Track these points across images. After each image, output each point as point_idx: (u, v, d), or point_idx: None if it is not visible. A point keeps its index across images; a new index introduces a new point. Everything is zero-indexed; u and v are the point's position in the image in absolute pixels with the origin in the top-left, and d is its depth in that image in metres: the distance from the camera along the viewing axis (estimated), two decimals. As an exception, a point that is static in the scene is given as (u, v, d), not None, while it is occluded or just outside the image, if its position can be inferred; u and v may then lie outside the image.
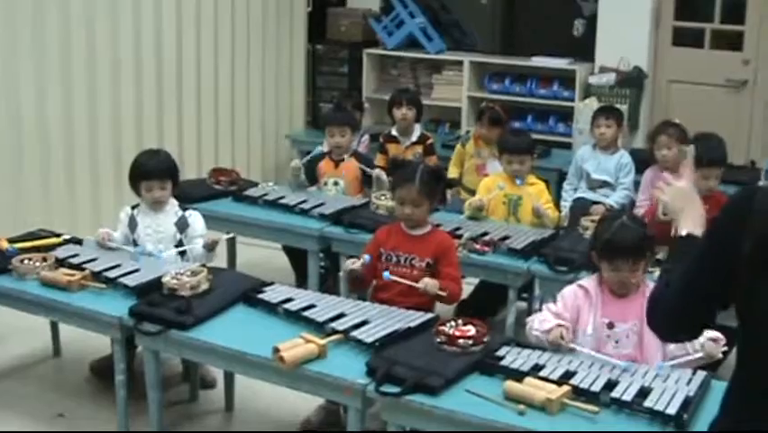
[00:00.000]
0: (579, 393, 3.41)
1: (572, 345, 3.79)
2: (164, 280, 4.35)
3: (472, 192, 6.17)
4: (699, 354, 3.63)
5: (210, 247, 4.90)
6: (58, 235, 5.17)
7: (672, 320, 2.34)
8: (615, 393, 3.38)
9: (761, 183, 5.52)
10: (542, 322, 3.87)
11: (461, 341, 3.73)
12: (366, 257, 4.53)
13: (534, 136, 6.77)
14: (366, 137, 7.27)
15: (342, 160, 6.26)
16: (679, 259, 2.36)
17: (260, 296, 4.35)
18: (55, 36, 6.51)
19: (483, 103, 7.43)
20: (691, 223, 2.46)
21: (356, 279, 4.64)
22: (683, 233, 2.44)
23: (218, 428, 4.83)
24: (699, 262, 2.22)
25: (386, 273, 4.42)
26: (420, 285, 4.38)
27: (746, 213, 2.01)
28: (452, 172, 6.89)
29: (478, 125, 7.00)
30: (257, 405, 4.90)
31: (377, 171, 6.10)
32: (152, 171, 4.93)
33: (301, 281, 5.99)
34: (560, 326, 3.81)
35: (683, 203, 2.55)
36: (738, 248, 2.00)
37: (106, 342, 4.51)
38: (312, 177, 6.27)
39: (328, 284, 5.82)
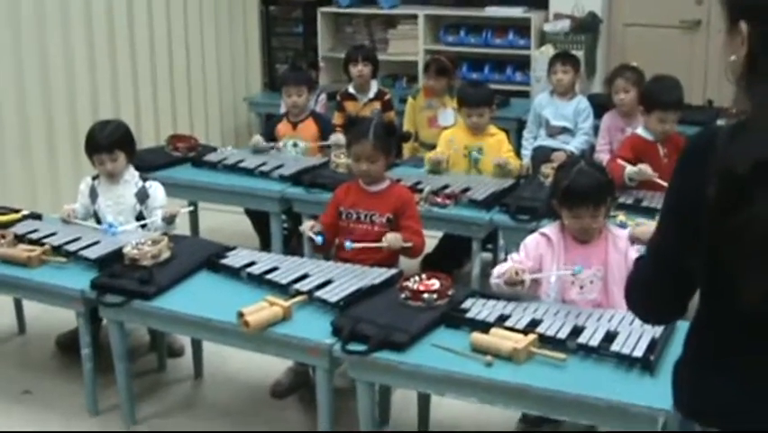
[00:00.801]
0: (545, 341, 3.41)
1: (528, 276, 3.79)
2: (125, 250, 4.32)
3: (430, 147, 6.17)
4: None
5: (169, 220, 4.86)
6: (16, 211, 5.11)
7: (652, 297, 2.27)
8: (581, 339, 3.38)
9: (719, 122, 5.52)
10: (500, 268, 3.87)
11: (425, 295, 3.73)
12: (319, 238, 4.52)
13: (492, 86, 6.74)
14: (323, 96, 7.23)
15: (300, 121, 6.22)
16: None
17: (223, 261, 4.32)
18: (3, 5, 6.41)
19: (428, 56, 7.42)
20: None
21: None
22: None
23: (188, 395, 4.81)
24: (666, 220, 2.19)
25: (347, 243, 4.40)
26: (383, 243, 4.38)
27: (708, 154, 1.97)
28: (407, 126, 6.87)
29: (425, 77, 7.01)
30: (226, 371, 4.88)
31: (333, 137, 6.07)
32: (101, 144, 4.87)
33: (265, 244, 5.98)
34: (514, 265, 3.81)
35: None
36: (702, 195, 1.95)
37: (71, 316, 4.47)
38: (271, 139, 6.22)
39: (292, 245, 5.81)
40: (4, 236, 4.67)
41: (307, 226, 4.62)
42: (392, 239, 4.39)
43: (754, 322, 2.01)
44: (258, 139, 6.23)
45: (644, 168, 5.03)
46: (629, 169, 5.05)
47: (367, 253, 4.41)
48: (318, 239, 4.52)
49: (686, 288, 2.20)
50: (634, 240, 3.86)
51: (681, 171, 2.12)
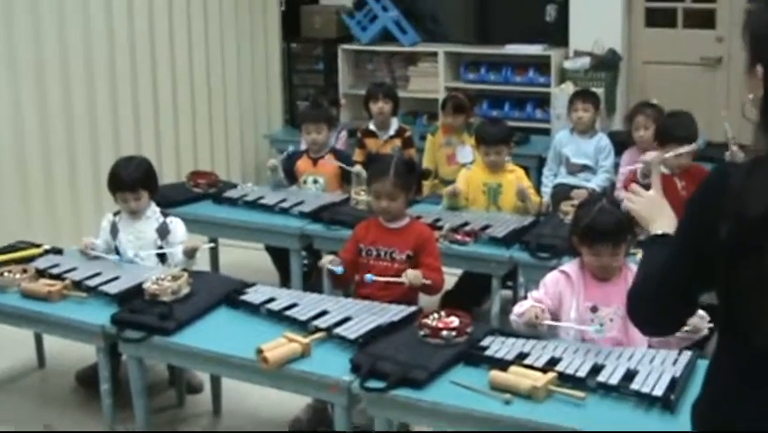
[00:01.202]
0: (565, 379, 3.40)
1: (548, 323, 3.79)
2: (145, 286, 4.33)
3: (448, 184, 6.17)
4: (687, 328, 3.62)
5: (190, 255, 4.88)
6: (37, 246, 5.14)
7: (653, 313, 2.30)
8: (601, 377, 3.37)
9: (727, 157, 5.52)
10: (520, 307, 3.87)
11: (444, 333, 3.72)
12: (339, 268, 4.52)
13: (512, 123, 6.80)
14: (344, 133, 7.25)
15: (321, 157, 6.23)
16: (653, 253, 2.34)
17: (243, 297, 4.33)
18: (26, 44, 6.48)
19: (450, 92, 7.45)
20: (666, 225, 2.45)
21: (338, 276, 4.64)
22: (658, 232, 2.44)
23: (207, 431, 4.81)
24: (676, 250, 2.20)
25: (368, 276, 4.41)
26: (403, 279, 4.38)
27: (720, 194, 1.98)
28: (427, 163, 6.90)
29: (443, 114, 7.03)
30: (245, 407, 4.88)
31: (356, 168, 6.09)
32: (125, 183, 4.90)
33: (285, 280, 5.98)
34: (534, 307, 3.81)
35: (653, 212, 2.54)
36: (715, 232, 1.97)
37: (91, 351, 4.48)
38: (291, 176, 6.24)
39: (312, 281, 5.80)
40: (25, 271, 4.70)
41: (326, 260, 4.63)
42: (412, 276, 4.39)
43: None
44: (274, 162, 6.24)
45: (655, 154, 5.03)
46: (640, 166, 5.07)
47: (386, 290, 4.42)
48: (338, 269, 4.52)
49: (689, 308, 2.26)
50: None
51: (695, 205, 2.14)
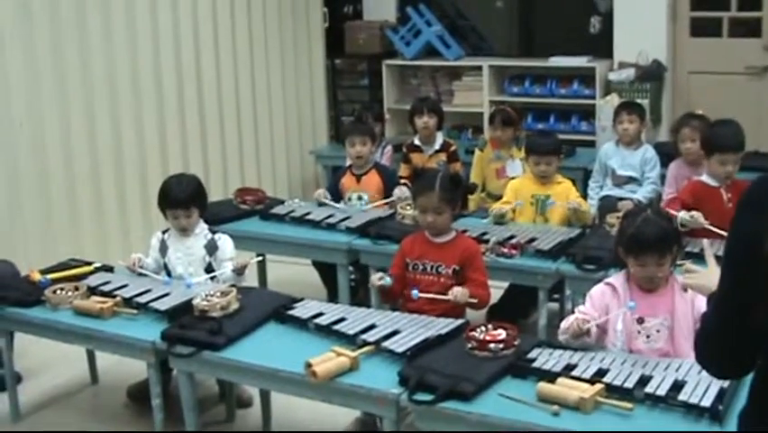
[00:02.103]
0: (612, 391, 3.41)
1: (593, 324, 3.81)
2: (194, 302, 4.38)
3: (497, 197, 6.18)
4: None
5: (239, 271, 4.92)
6: (89, 264, 5.21)
7: (718, 351, 2.22)
8: (648, 389, 3.37)
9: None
10: (565, 323, 3.88)
11: (491, 345, 3.74)
12: (387, 279, 4.55)
13: (558, 136, 6.78)
14: (389, 148, 7.28)
15: (364, 173, 6.26)
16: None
17: (291, 312, 4.37)
18: (76, 64, 6.57)
19: (493, 107, 7.46)
20: None
21: (387, 291, 4.67)
22: None
23: (257, 446, 4.86)
24: (726, 270, 2.15)
25: (414, 292, 4.42)
26: (450, 297, 4.39)
27: (761, 206, 1.98)
28: (475, 177, 6.91)
29: (491, 128, 7.04)
30: (294, 421, 4.91)
31: (396, 191, 6.10)
32: (177, 200, 4.96)
33: (332, 296, 6.01)
34: (577, 319, 3.82)
35: (711, 280, 2.40)
36: (760, 245, 1.94)
37: (142, 366, 4.54)
38: (335, 193, 6.26)
39: (359, 296, 5.83)
40: (77, 288, 4.76)
41: (376, 278, 4.66)
42: (459, 293, 4.41)
43: None
44: (321, 192, 6.27)
45: (697, 215, 5.02)
46: (682, 214, 5.04)
47: (434, 304, 4.44)
48: (387, 280, 4.55)
49: (753, 341, 2.14)
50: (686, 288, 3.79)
51: (739, 220, 2.10)
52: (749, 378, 2.25)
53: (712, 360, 2.28)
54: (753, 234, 1.99)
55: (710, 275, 2.46)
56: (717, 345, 2.22)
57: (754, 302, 2.05)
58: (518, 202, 5.77)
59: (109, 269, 5.18)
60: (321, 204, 6.13)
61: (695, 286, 2.67)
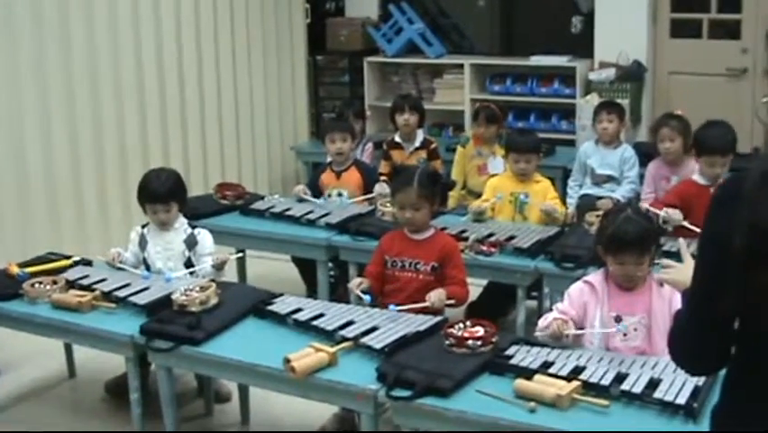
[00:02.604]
0: (589, 388, 3.43)
1: (572, 332, 3.83)
2: (174, 296, 4.38)
3: (477, 195, 6.20)
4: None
5: (219, 267, 4.93)
6: (67, 258, 5.20)
7: (692, 347, 2.25)
8: (625, 386, 3.40)
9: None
10: (544, 321, 3.90)
11: (469, 342, 3.75)
12: (366, 298, 4.48)
13: (538, 135, 6.81)
14: (369, 145, 7.29)
15: (344, 170, 6.27)
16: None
17: (270, 307, 4.37)
18: (57, 59, 6.55)
19: (477, 104, 7.47)
20: None
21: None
22: None
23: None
24: (699, 268, 2.19)
25: (392, 307, 4.35)
26: (427, 303, 4.39)
27: (736, 202, 1.99)
28: (456, 174, 6.93)
29: (475, 125, 7.06)
30: (272, 416, 4.92)
31: (377, 187, 6.11)
32: (156, 194, 4.95)
33: (311, 292, 6.01)
34: (556, 319, 3.84)
35: (687, 276, 2.38)
36: (730, 242, 1.97)
37: (121, 361, 4.53)
38: (315, 190, 6.27)
39: (339, 293, 5.84)
40: (55, 282, 4.75)
41: (355, 284, 4.65)
42: (436, 298, 4.40)
43: None
44: (301, 188, 6.27)
45: (672, 212, 5.06)
46: (662, 213, 5.08)
47: (412, 302, 4.43)
48: (366, 298, 4.49)
49: (725, 336, 2.18)
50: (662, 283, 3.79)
51: (711, 219, 2.13)
52: (722, 375, 2.28)
53: (685, 356, 2.31)
54: (723, 232, 2.02)
55: (686, 271, 2.46)
56: (690, 340, 2.25)
57: (723, 299, 2.09)
58: (498, 196, 5.78)
59: (88, 263, 5.17)
60: (301, 200, 6.13)
61: (670, 281, 2.70)
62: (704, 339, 2.21)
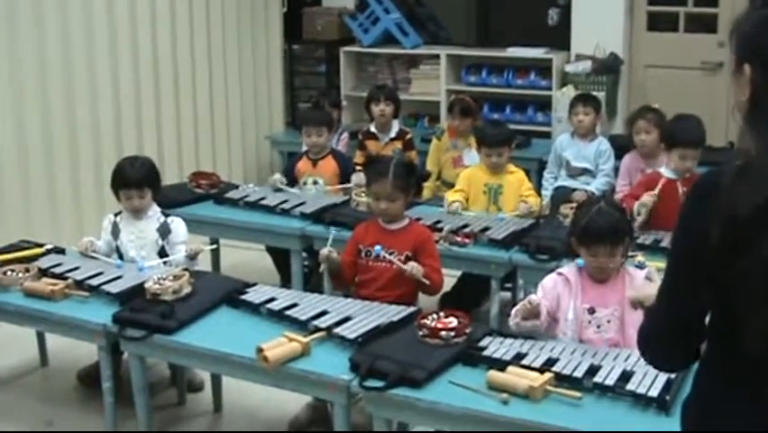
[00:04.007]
0: (561, 380, 3.44)
1: (544, 302, 3.85)
2: (147, 285, 4.36)
3: (451, 186, 6.20)
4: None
5: (192, 257, 4.92)
6: (40, 246, 5.17)
7: (663, 343, 2.25)
8: (597, 378, 3.41)
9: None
10: (516, 309, 3.91)
11: (443, 333, 3.75)
12: (331, 248, 4.55)
13: (513, 126, 6.82)
14: (345, 135, 7.29)
15: (320, 158, 6.27)
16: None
17: (243, 297, 4.36)
18: (31, 46, 6.50)
19: (452, 96, 7.47)
20: None
21: (338, 274, 4.68)
22: None
23: (207, 429, 4.85)
24: (674, 262, 2.19)
25: (377, 247, 4.42)
26: (407, 267, 4.40)
27: (713, 195, 2.00)
28: (431, 165, 6.93)
29: (450, 118, 7.07)
30: (245, 405, 4.91)
31: (354, 177, 6.10)
32: (130, 180, 4.93)
33: (285, 281, 6.01)
34: (524, 303, 3.85)
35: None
36: (707, 234, 1.98)
37: (93, 349, 4.52)
38: (291, 177, 6.27)
39: (312, 283, 5.83)
40: (28, 270, 4.73)
41: (324, 250, 4.66)
42: (415, 267, 4.43)
43: (758, 360, 2.03)
44: (277, 178, 6.26)
45: (645, 197, 5.08)
46: (635, 206, 5.11)
47: (385, 291, 4.45)
48: (332, 249, 4.57)
49: (696, 333, 2.19)
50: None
51: (687, 212, 2.13)
52: (695, 368, 2.28)
53: (655, 353, 2.32)
54: (699, 225, 2.03)
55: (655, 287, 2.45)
56: (661, 335, 2.25)
57: (697, 293, 2.11)
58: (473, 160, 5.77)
59: (61, 251, 5.14)
60: (277, 189, 6.11)
61: (642, 297, 2.67)
62: (674, 336, 2.22)
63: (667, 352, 2.28)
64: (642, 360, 3.41)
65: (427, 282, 4.48)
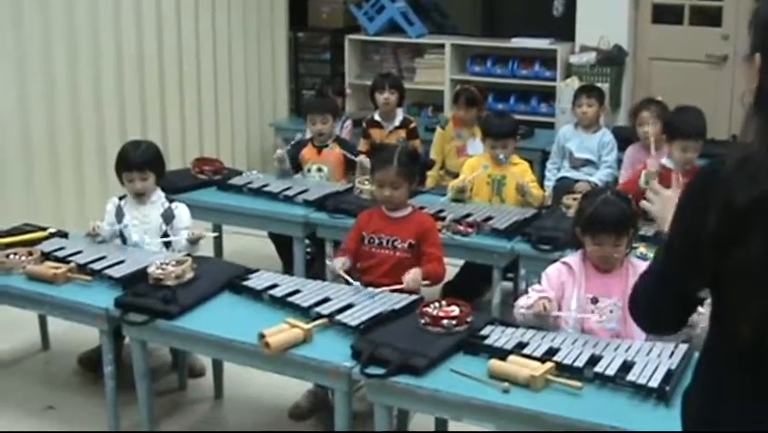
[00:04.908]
0: (562, 369, 3.44)
1: (557, 313, 3.85)
2: (149, 270, 4.36)
3: (455, 175, 6.19)
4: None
5: (194, 241, 4.92)
6: (43, 229, 5.17)
7: (653, 312, 2.32)
8: (598, 368, 3.41)
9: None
10: (526, 300, 3.91)
11: (444, 321, 3.75)
12: (356, 284, 4.38)
13: (517, 117, 6.82)
14: (349, 123, 7.29)
15: (325, 146, 6.27)
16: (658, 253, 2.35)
17: (245, 283, 4.36)
18: (35, 29, 6.49)
19: (458, 86, 7.46)
20: None
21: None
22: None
23: (208, 415, 4.86)
24: (671, 247, 2.22)
25: (356, 284, 4.32)
26: (404, 285, 4.38)
27: (712, 185, 2.02)
28: (434, 154, 6.94)
29: (455, 108, 7.07)
30: (246, 392, 4.92)
31: (360, 158, 6.11)
32: (133, 163, 4.94)
33: (287, 268, 6.01)
34: (542, 298, 3.85)
35: (670, 211, 2.49)
36: (705, 222, 2.00)
37: (95, 334, 4.52)
38: (295, 164, 6.28)
39: (314, 270, 5.83)
40: (31, 253, 4.73)
41: (339, 264, 4.60)
42: (412, 278, 4.40)
43: (758, 349, 2.04)
44: (281, 153, 6.27)
45: (650, 161, 5.09)
46: (643, 172, 5.12)
47: (389, 278, 4.45)
48: (356, 284, 4.33)
49: (688, 306, 2.27)
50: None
51: (686, 202, 2.16)
52: (696, 359, 2.30)
53: (646, 319, 2.39)
54: (699, 217, 2.05)
55: (671, 204, 2.43)
56: (653, 308, 2.32)
57: (693, 278, 2.16)
58: (484, 165, 5.77)
59: (64, 235, 5.14)
60: (282, 176, 6.11)
61: (653, 212, 2.71)
62: (668, 308, 2.28)
63: (654, 317, 2.35)
64: (643, 350, 3.49)
65: (428, 283, 4.50)
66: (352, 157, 6.15)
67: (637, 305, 2.36)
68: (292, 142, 6.42)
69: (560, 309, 3.92)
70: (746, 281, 1.96)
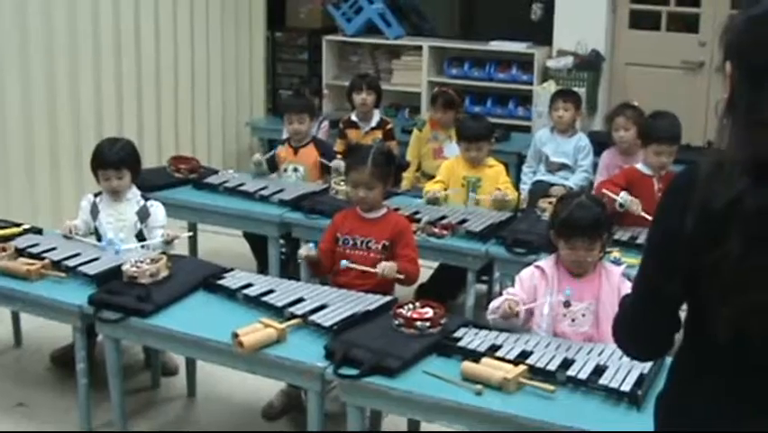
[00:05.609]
0: (535, 372, 3.45)
1: (522, 307, 3.87)
2: (124, 268, 4.35)
3: (431, 177, 6.21)
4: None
5: (168, 242, 4.90)
6: (17, 225, 5.15)
7: (638, 332, 2.30)
8: (571, 372, 3.42)
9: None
10: (495, 303, 3.93)
11: (418, 323, 3.76)
12: (310, 245, 4.56)
13: (494, 120, 6.82)
14: (326, 123, 7.28)
15: (302, 146, 6.27)
16: None
17: (220, 282, 4.36)
18: (12, 24, 6.46)
19: (435, 88, 7.47)
20: None
21: (316, 263, 4.69)
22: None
23: (181, 414, 4.85)
24: (649, 256, 2.24)
25: (343, 262, 4.46)
26: (378, 270, 4.42)
27: (689, 190, 2.04)
28: (411, 156, 6.95)
29: (432, 110, 7.07)
30: (219, 391, 4.92)
31: (335, 162, 6.11)
32: (109, 161, 4.92)
33: (262, 268, 6.01)
34: (507, 300, 3.87)
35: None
36: (682, 226, 2.03)
37: (68, 331, 4.50)
38: (272, 164, 6.27)
39: (289, 270, 5.84)
40: (4, 249, 4.71)
41: (305, 248, 4.68)
42: (387, 268, 4.44)
43: (731, 350, 2.06)
44: (258, 157, 6.27)
45: (637, 202, 5.09)
46: (624, 194, 5.11)
47: (362, 280, 4.46)
48: (311, 245, 4.61)
49: (671, 322, 2.25)
50: None
51: (664, 207, 2.18)
52: (668, 363, 2.32)
53: (630, 340, 2.36)
54: (674, 221, 2.07)
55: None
56: (635, 324, 2.30)
57: (672, 286, 2.14)
58: (454, 190, 5.79)
59: (38, 231, 5.12)
60: (258, 175, 6.11)
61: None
62: (649, 324, 2.26)
63: (641, 341, 2.33)
64: (615, 354, 3.51)
65: (402, 277, 4.50)
66: (327, 163, 6.13)
67: (620, 329, 2.35)
68: (269, 155, 6.37)
69: (532, 314, 3.94)
70: (724, 281, 1.98)
